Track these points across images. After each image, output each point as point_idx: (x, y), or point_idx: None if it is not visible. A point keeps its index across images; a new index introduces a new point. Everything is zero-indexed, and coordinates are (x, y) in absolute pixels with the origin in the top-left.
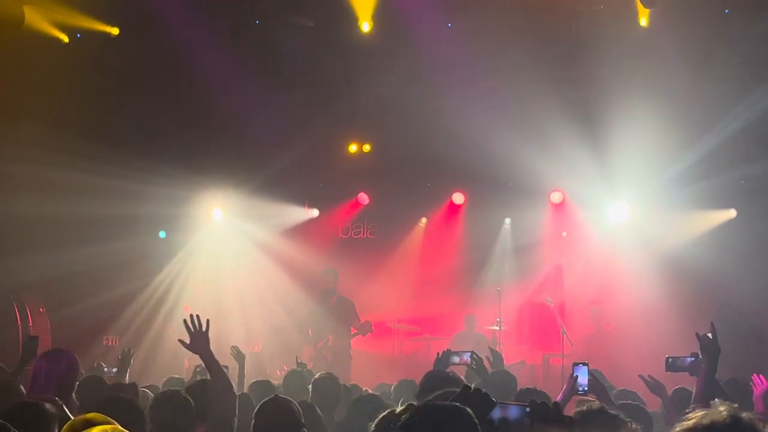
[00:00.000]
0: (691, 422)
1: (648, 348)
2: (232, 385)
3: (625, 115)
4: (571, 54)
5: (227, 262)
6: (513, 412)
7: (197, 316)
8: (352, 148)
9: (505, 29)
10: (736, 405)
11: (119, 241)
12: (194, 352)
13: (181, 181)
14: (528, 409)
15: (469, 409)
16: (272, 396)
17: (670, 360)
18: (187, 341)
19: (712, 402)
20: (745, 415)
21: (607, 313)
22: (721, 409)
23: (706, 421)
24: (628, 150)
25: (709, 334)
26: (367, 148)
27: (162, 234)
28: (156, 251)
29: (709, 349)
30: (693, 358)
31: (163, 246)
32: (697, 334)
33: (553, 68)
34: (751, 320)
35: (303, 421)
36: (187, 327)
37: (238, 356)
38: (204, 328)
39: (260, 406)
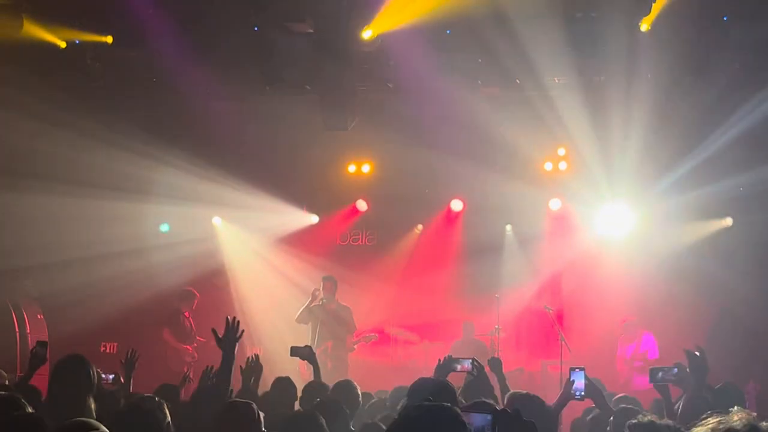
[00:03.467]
0: (708, 427)
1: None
2: (227, 391)
3: (624, 122)
4: (570, 60)
5: (227, 269)
6: (475, 420)
7: (238, 321)
8: (351, 153)
9: (504, 36)
10: (755, 414)
11: (118, 245)
12: (221, 347)
13: (179, 187)
14: (489, 417)
15: (457, 409)
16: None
17: (659, 374)
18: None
19: (730, 408)
20: (763, 424)
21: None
22: (738, 417)
23: (722, 427)
24: (627, 157)
25: (697, 352)
26: (365, 159)
27: (164, 227)
28: (156, 253)
29: (699, 366)
30: (677, 369)
31: (163, 244)
32: (686, 351)
33: (552, 74)
34: (749, 326)
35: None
36: (227, 323)
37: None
38: (239, 334)
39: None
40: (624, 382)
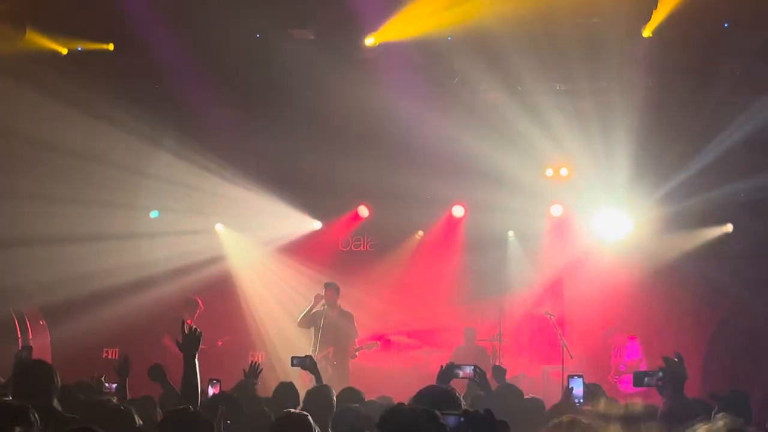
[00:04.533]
0: None
1: (646, 360)
2: (198, 395)
3: (625, 128)
4: (572, 67)
5: (231, 275)
6: (449, 421)
7: (196, 329)
8: (352, 159)
9: (506, 42)
10: (741, 419)
11: (120, 253)
12: (182, 350)
13: (181, 193)
14: (462, 419)
15: (438, 413)
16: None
17: (644, 378)
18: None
19: (716, 415)
20: (748, 429)
21: (621, 333)
22: (723, 422)
23: None
24: (628, 163)
25: (675, 358)
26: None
27: (154, 213)
28: (159, 259)
29: (676, 372)
30: (662, 373)
31: (167, 251)
32: (664, 358)
33: (554, 81)
34: (750, 332)
35: None
36: (182, 329)
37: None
38: (197, 334)
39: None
40: (611, 387)
